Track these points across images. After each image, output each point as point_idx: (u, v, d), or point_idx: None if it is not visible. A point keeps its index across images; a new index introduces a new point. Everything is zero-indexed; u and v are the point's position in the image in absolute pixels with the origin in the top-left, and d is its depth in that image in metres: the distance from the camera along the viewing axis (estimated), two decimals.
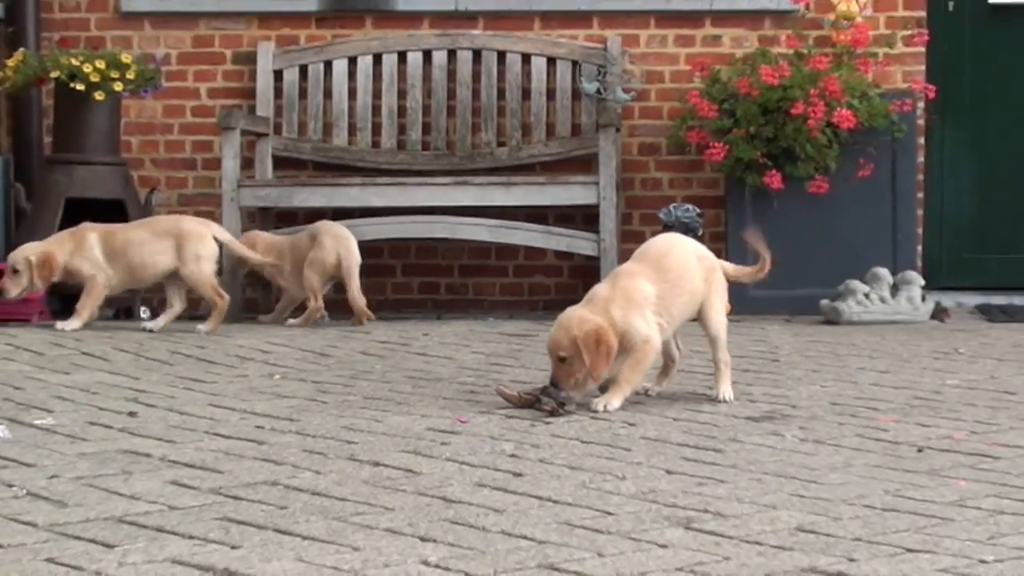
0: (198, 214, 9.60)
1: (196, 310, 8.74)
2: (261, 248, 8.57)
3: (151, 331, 8.04)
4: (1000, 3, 9.77)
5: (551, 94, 9.71)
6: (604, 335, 5.54)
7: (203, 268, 8.01)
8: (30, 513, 4.00)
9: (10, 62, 9.26)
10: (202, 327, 8.09)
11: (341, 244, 8.44)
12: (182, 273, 8.09)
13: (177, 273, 8.12)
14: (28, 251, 7.93)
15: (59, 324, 7.94)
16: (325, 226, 8.57)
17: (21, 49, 9.44)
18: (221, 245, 8.15)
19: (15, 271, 7.91)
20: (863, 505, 4.14)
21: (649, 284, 5.75)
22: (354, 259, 8.48)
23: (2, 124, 9.83)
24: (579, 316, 5.61)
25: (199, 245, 8.02)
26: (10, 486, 4.34)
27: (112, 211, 8.99)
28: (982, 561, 3.55)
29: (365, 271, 9.61)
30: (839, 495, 4.27)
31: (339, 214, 9.07)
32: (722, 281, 6.03)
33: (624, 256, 8.95)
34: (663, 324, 5.75)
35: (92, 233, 8.09)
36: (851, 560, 3.54)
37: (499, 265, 9.80)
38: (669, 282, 5.80)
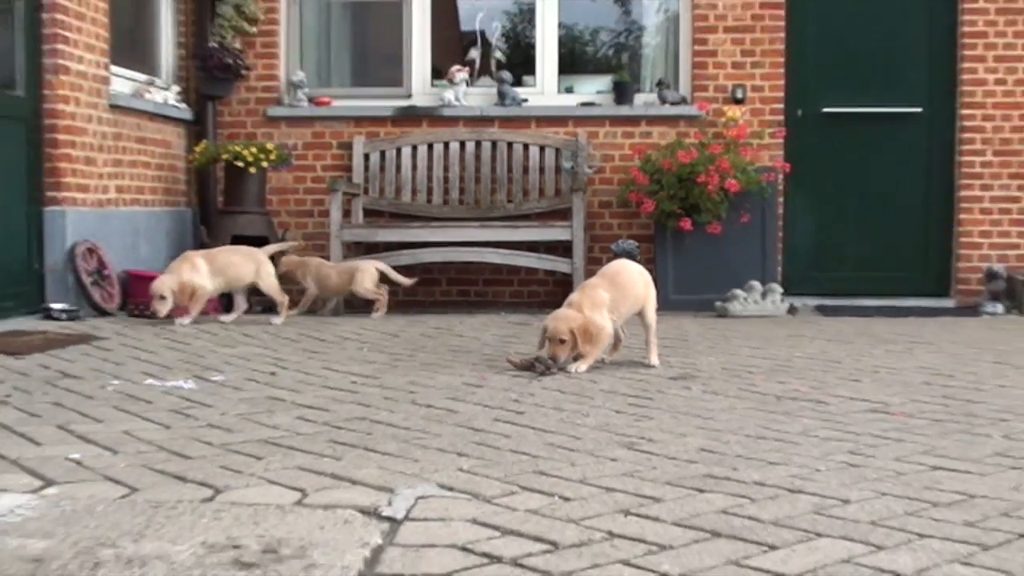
0: (314, 248, 9.64)
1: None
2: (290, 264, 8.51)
3: (224, 323, 7.76)
4: (830, 112, 9.76)
5: (542, 169, 9.70)
6: (590, 326, 5.60)
7: (272, 280, 7.97)
8: (208, 436, 4.02)
9: (197, 148, 9.28)
10: (275, 319, 7.90)
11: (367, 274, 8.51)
12: (259, 283, 7.96)
13: (255, 283, 7.99)
14: (168, 282, 7.53)
15: (223, 317, 7.92)
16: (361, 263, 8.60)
17: (204, 140, 9.47)
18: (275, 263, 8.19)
19: (162, 297, 7.49)
20: (743, 435, 4.15)
21: (605, 292, 5.81)
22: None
23: (192, 187, 9.84)
24: (571, 314, 5.66)
25: (268, 266, 7.97)
26: (196, 419, 4.36)
27: (260, 244, 8.98)
28: (817, 471, 3.57)
29: (422, 282, 9.66)
30: (727, 428, 4.28)
31: (405, 245, 9.06)
32: (653, 290, 6.08)
33: (589, 273, 8.91)
34: (614, 318, 5.80)
35: (198, 258, 7.78)
36: (735, 469, 3.56)
37: (508, 278, 9.81)
38: (619, 291, 5.85)
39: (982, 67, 9.58)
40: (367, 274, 8.44)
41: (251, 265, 7.92)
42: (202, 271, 7.68)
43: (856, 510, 3.09)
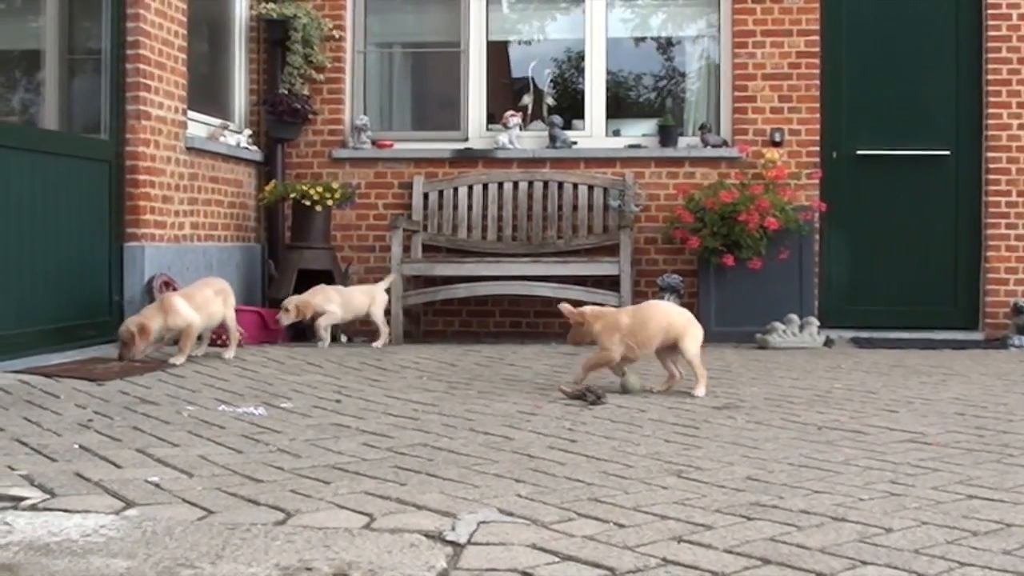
0: (376, 280, 9.61)
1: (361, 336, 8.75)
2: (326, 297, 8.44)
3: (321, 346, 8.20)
4: (863, 154, 9.69)
5: (591, 208, 9.67)
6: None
7: (381, 312, 8.15)
8: (278, 461, 4.00)
9: (267, 188, 9.32)
10: (376, 344, 8.36)
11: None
12: (371, 311, 8.46)
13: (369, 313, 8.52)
14: (295, 299, 8.21)
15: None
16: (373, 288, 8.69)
17: (273, 180, 9.51)
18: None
19: (286, 310, 8.13)
20: (787, 463, 4.09)
21: (625, 319, 5.92)
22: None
23: (261, 224, 9.88)
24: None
25: (382, 296, 8.42)
26: (266, 444, 4.35)
27: (325, 277, 9.02)
28: (860, 499, 3.51)
29: (478, 313, 9.67)
30: (772, 457, 4.22)
31: (461, 279, 9.05)
32: (697, 327, 5.99)
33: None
34: (631, 343, 5.88)
35: (332, 291, 8.41)
36: (780, 498, 3.50)
37: (558, 311, 9.72)
38: (638, 321, 5.89)
39: (1006, 112, 9.49)
40: (383, 297, 8.60)
41: (367, 298, 8.46)
42: (334, 300, 8.29)
43: (899, 538, 3.03)
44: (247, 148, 9.54)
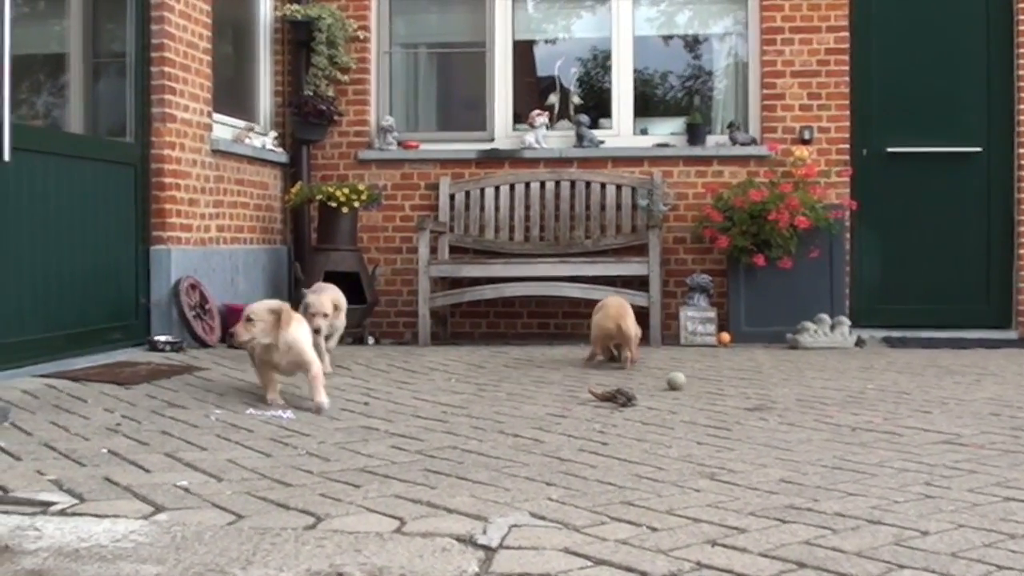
0: (403, 281, 9.70)
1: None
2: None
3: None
4: (894, 151, 9.63)
5: (619, 207, 9.65)
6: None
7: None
8: (307, 465, 4.01)
9: (292, 190, 9.34)
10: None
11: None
12: None
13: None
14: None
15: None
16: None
17: (299, 182, 9.53)
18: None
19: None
20: (820, 465, 4.07)
21: None
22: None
23: (287, 227, 9.90)
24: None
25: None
26: (295, 448, 4.35)
27: (352, 279, 9.05)
28: (895, 501, 3.49)
29: (505, 314, 9.68)
30: (805, 459, 4.20)
31: (489, 280, 9.06)
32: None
33: (664, 307, 8.92)
34: None
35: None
36: (815, 500, 3.49)
37: (587, 311, 9.60)
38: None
39: None
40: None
41: None
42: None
43: (936, 541, 3.01)
44: (273, 150, 9.56)
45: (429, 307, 8.93)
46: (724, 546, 2.95)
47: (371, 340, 9.24)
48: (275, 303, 5.36)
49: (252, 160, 9.21)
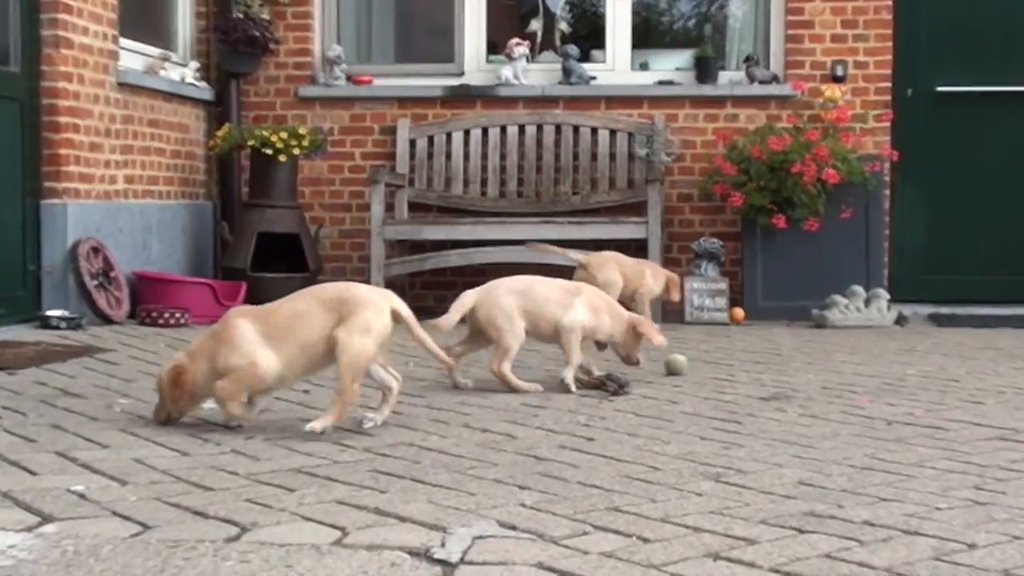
0: (353, 244, 9.70)
1: None
2: None
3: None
4: (945, 91, 9.66)
5: (613, 157, 9.67)
6: None
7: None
8: (232, 465, 4.01)
9: (219, 133, 9.32)
10: None
11: None
12: None
13: None
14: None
15: None
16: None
17: (227, 124, 9.50)
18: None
19: None
20: (847, 465, 4.10)
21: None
22: None
23: (212, 178, 9.89)
24: None
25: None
26: (218, 444, 4.35)
27: (290, 242, 9.05)
28: (937, 508, 3.51)
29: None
30: (829, 457, 4.22)
31: (455, 244, 9.07)
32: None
33: None
34: None
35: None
36: (840, 506, 3.50)
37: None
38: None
39: None
40: None
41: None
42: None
43: (984, 556, 3.03)
44: (194, 85, 9.52)
45: (384, 276, 8.93)
46: (729, 560, 2.97)
47: None
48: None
49: (169, 96, 9.18)
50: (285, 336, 4.54)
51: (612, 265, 7.63)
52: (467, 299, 5.83)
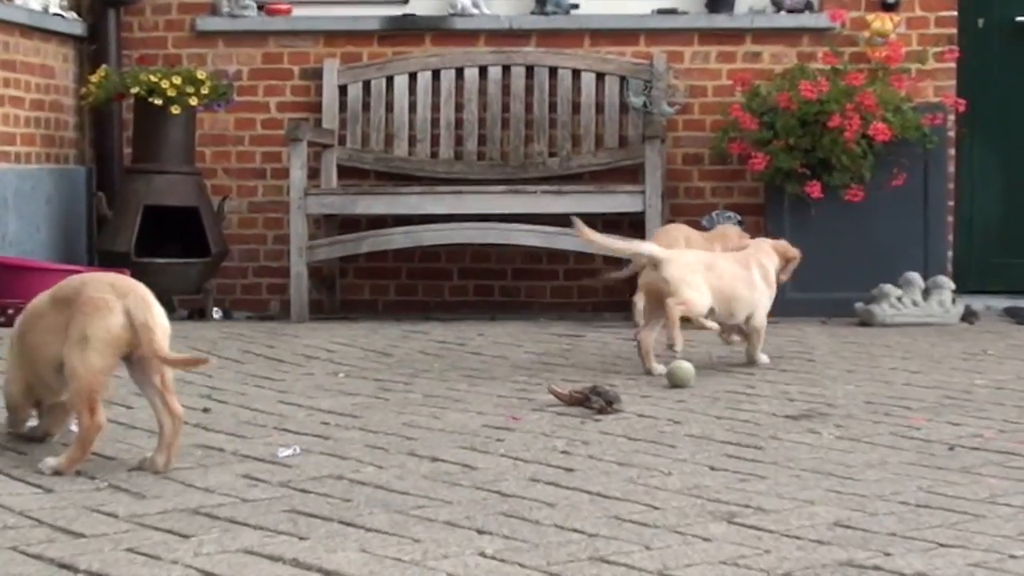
0: (267, 221, 9.71)
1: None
2: None
3: None
4: None
5: (600, 107, 9.69)
6: None
7: None
8: (110, 504, 4.01)
9: (93, 78, 9.30)
10: None
11: None
12: None
13: None
14: None
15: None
16: None
17: (103, 66, 9.49)
18: None
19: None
20: (897, 501, 4.12)
21: None
22: None
23: (85, 136, 9.88)
24: None
25: None
26: (93, 478, 4.35)
27: (187, 218, 9.04)
28: (1012, 556, 3.53)
29: (424, 273, 9.72)
30: (874, 491, 4.25)
31: (399, 220, 9.08)
32: None
33: None
34: None
35: None
36: (886, 555, 3.52)
37: (550, 269, 9.79)
38: None
39: None
40: None
41: None
42: None
43: None
44: (60, 15, 9.51)
45: (307, 261, 8.93)
46: None
47: (218, 313, 9.23)
48: None
49: (28, 31, 9.16)
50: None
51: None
52: None
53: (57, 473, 4.36)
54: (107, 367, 4.40)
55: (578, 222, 6.84)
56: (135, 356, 4.44)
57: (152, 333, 4.38)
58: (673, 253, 6.84)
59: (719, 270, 6.71)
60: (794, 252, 7.22)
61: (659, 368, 6.53)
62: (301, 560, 3.43)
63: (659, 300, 6.58)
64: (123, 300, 4.40)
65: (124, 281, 4.54)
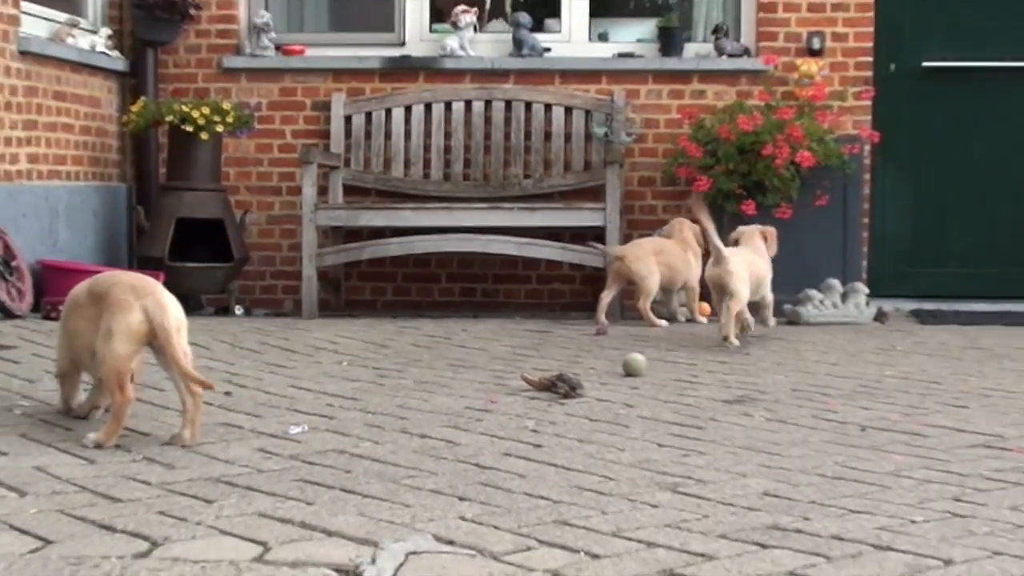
0: (282, 231, 9.70)
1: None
2: None
3: None
4: (932, 66, 9.73)
5: (568, 137, 9.70)
6: None
7: None
8: (144, 473, 4.01)
9: (133, 108, 9.28)
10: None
11: None
12: None
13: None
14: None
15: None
16: None
17: (142, 97, 9.47)
18: None
19: None
20: (816, 474, 4.14)
21: None
22: None
23: (127, 158, 9.86)
24: None
25: None
26: (129, 451, 4.35)
27: (213, 228, 9.04)
28: (912, 521, 3.55)
29: (417, 277, 9.72)
30: (797, 466, 4.27)
31: (396, 232, 9.07)
32: None
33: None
34: None
35: None
36: (806, 519, 3.54)
37: (524, 274, 9.80)
38: None
39: None
40: None
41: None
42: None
43: (962, 573, 3.08)
44: (106, 54, 9.48)
45: (316, 266, 8.93)
46: None
47: (239, 310, 9.22)
48: None
49: (78, 67, 9.13)
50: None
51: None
52: None
53: (98, 445, 4.37)
54: (130, 354, 4.44)
55: (698, 200, 7.91)
56: (156, 344, 4.48)
57: (169, 334, 4.43)
58: (732, 251, 7.44)
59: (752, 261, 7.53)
60: (770, 231, 7.86)
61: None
62: (307, 522, 3.43)
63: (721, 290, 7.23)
64: (141, 301, 4.46)
65: (145, 283, 4.58)
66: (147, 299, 4.47)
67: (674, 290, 8.65)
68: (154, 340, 4.47)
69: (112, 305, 4.47)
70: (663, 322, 8.35)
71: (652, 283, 8.31)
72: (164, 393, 5.20)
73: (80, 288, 4.73)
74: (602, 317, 8.06)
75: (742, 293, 7.20)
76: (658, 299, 8.54)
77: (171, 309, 4.51)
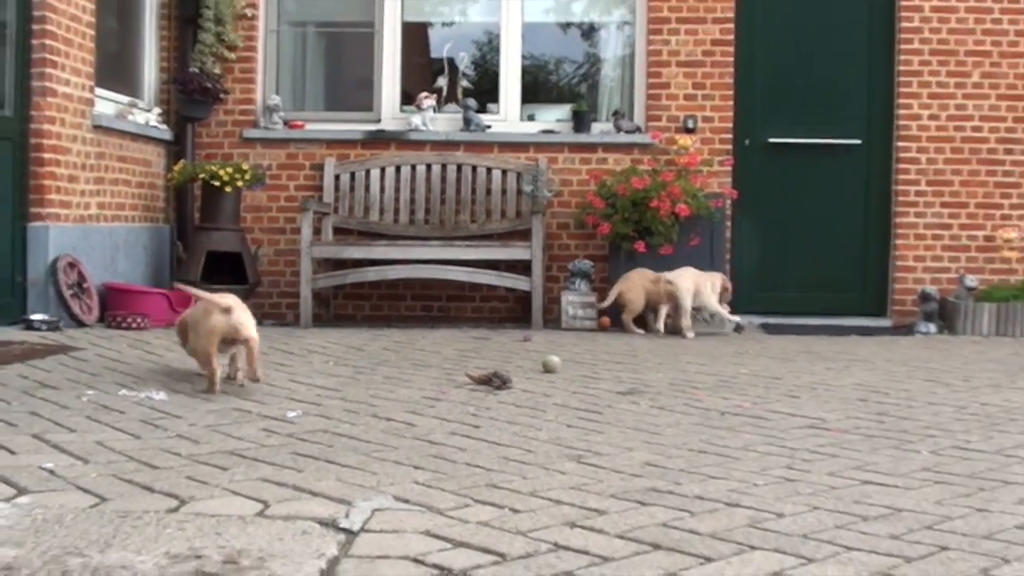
0: (286, 262, 9.66)
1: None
2: None
3: None
4: (775, 142, 9.81)
5: (504, 192, 9.69)
6: None
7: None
8: (176, 447, 3.99)
9: (176, 168, 9.22)
10: None
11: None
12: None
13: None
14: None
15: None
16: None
17: (182, 160, 9.42)
18: None
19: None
20: (686, 449, 4.15)
21: None
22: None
23: (170, 205, 9.78)
24: None
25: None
26: (165, 430, 4.33)
27: (234, 259, 9.00)
28: (755, 484, 3.57)
29: (388, 296, 9.68)
30: (671, 442, 4.28)
31: (372, 262, 9.03)
32: None
33: (547, 291, 8.95)
34: None
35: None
36: (677, 484, 3.56)
37: (470, 295, 9.78)
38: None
39: (916, 103, 9.66)
40: None
41: None
42: None
43: (789, 523, 3.09)
44: (156, 127, 9.42)
45: (311, 288, 8.90)
46: (582, 528, 3.00)
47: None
48: None
49: (135, 136, 9.07)
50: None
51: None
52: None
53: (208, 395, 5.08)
54: (211, 345, 5.15)
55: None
56: (229, 339, 5.19)
57: (250, 339, 5.20)
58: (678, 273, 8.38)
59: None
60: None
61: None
62: (299, 486, 3.42)
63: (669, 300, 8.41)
64: (223, 311, 5.15)
65: (227, 300, 5.22)
66: (230, 312, 5.17)
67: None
68: (230, 338, 5.19)
69: (203, 313, 5.23)
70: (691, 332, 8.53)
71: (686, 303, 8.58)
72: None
73: (198, 306, 5.44)
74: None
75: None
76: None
77: (244, 318, 5.20)
